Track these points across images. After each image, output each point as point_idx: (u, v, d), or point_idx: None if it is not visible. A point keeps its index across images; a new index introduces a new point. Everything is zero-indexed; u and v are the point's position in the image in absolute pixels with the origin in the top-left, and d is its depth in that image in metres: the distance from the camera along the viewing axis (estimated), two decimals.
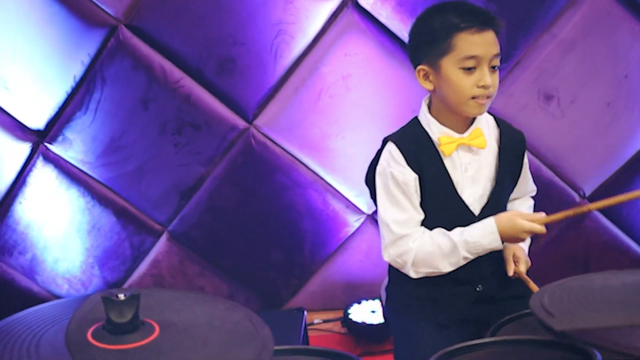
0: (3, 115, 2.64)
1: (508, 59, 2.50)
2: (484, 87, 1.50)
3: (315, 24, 2.49)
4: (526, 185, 1.73)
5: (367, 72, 2.56)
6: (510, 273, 1.58)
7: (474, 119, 1.60)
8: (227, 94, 2.60)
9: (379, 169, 1.61)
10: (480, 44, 1.48)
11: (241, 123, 2.63)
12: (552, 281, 3.02)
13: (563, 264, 2.78)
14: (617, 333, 0.73)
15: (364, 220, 2.74)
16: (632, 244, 2.73)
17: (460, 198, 1.59)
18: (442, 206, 1.59)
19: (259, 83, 2.58)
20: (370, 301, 2.73)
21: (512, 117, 2.58)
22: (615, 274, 0.96)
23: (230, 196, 2.73)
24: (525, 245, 1.66)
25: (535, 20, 2.45)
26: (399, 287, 1.68)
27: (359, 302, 2.74)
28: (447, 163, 1.58)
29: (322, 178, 2.70)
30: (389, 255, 1.59)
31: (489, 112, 1.66)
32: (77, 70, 2.55)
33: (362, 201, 2.70)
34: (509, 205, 1.71)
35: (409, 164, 1.56)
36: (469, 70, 1.49)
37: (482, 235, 1.52)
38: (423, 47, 1.55)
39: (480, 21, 1.49)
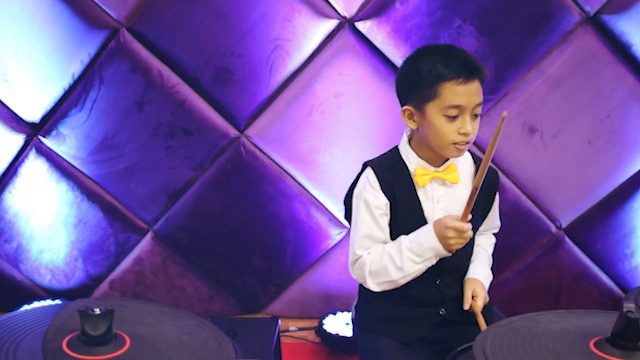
0: (0, 106, 2.69)
1: (496, 91, 2.58)
2: (464, 134, 1.57)
3: (311, 43, 2.56)
4: (492, 221, 1.81)
5: (358, 93, 2.62)
6: (467, 307, 1.66)
7: None
8: (221, 102, 2.66)
9: (355, 191, 1.69)
10: (464, 94, 1.54)
11: (232, 132, 2.69)
12: (523, 308, 3.10)
13: (535, 293, 2.86)
14: None
15: (345, 234, 2.81)
16: (604, 276, 2.81)
17: None
18: (410, 233, 1.66)
19: (253, 94, 2.65)
20: (346, 313, 2.80)
21: (496, 147, 2.68)
22: (561, 315, 1.02)
23: (216, 201, 2.79)
24: (486, 283, 1.73)
25: (525, 55, 2.53)
26: (366, 304, 1.75)
27: (335, 314, 2.81)
28: (420, 193, 1.65)
29: (307, 191, 2.77)
30: (353, 271, 1.69)
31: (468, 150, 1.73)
32: (76, 68, 2.61)
33: None
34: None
35: (382, 190, 1.63)
36: (452, 118, 1.56)
37: (419, 233, 1.61)
38: (410, 89, 1.62)
39: (466, 72, 1.54)
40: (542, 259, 2.80)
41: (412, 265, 1.60)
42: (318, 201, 2.78)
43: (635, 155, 2.65)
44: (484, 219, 1.79)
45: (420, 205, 1.65)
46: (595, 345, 0.87)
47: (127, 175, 2.76)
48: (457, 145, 1.58)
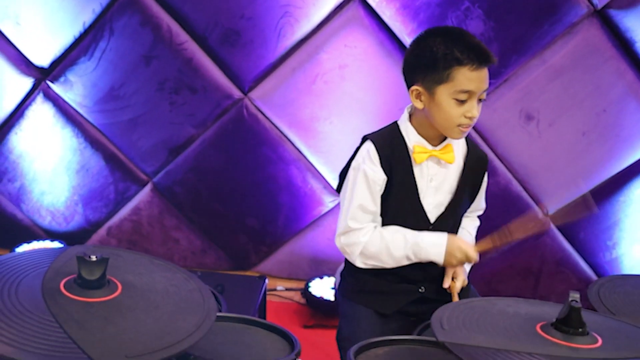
0: (11, 49, 2.74)
1: (497, 76, 2.62)
2: (470, 118, 1.62)
3: (321, 12, 2.58)
4: (479, 203, 1.87)
5: (363, 66, 2.66)
6: (446, 285, 1.74)
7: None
8: (227, 63, 2.70)
9: (354, 163, 1.74)
10: (475, 80, 1.59)
11: (236, 93, 2.75)
12: (504, 288, 3.20)
13: (517, 275, 2.95)
14: (487, 354, 0.87)
15: (338, 203, 2.88)
16: (584, 265, 2.90)
17: (421, 204, 1.72)
18: (402, 209, 1.73)
19: (259, 58, 2.69)
20: (332, 278, 2.89)
21: (492, 130, 2.73)
22: (518, 302, 1.10)
23: (215, 160, 2.86)
24: (467, 266, 1.81)
25: (529, 43, 2.56)
26: (350, 274, 1.83)
27: (321, 277, 2.91)
28: (416, 170, 1.71)
29: (305, 157, 2.83)
30: (340, 242, 1.74)
31: None
32: (87, 17, 2.64)
33: None
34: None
35: (382, 165, 1.68)
36: (461, 102, 1.60)
37: (431, 245, 1.68)
38: (421, 69, 1.64)
39: (481, 59, 1.58)
40: (527, 242, 2.88)
41: (405, 261, 1.70)
42: (315, 168, 2.85)
43: (627, 151, 2.70)
44: (471, 201, 1.85)
45: (415, 182, 1.71)
46: (541, 328, 0.96)
47: (131, 126, 2.83)
48: (461, 128, 1.64)
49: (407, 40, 2.57)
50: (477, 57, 1.57)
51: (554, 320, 0.96)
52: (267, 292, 2.94)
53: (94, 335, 0.91)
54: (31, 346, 0.93)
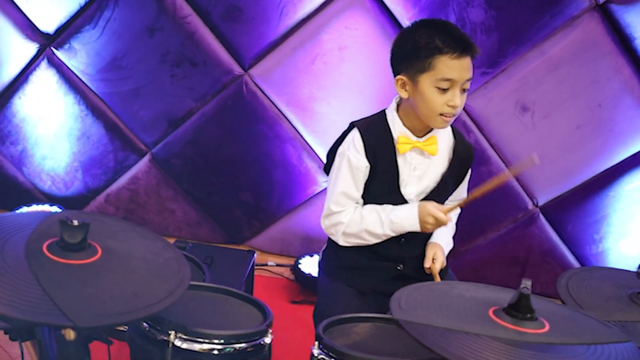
0: (17, 13, 2.78)
1: (495, 65, 2.64)
2: (452, 107, 1.66)
3: None
4: (461, 192, 1.92)
5: (362, 48, 2.69)
6: (427, 265, 1.79)
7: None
8: (228, 39, 2.73)
9: (340, 149, 1.79)
10: (457, 68, 1.63)
11: (237, 69, 2.78)
12: (490, 275, 3.24)
13: (503, 262, 3.00)
14: (440, 334, 0.92)
15: None
16: (570, 257, 2.95)
17: (401, 192, 1.77)
18: (383, 196, 1.78)
19: (261, 35, 2.71)
20: None
21: (487, 119, 2.76)
22: (478, 287, 1.14)
23: (213, 134, 2.91)
24: (446, 249, 1.87)
25: (529, 34, 2.57)
26: (332, 252, 1.89)
27: (311, 255, 2.97)
28: (400, 160, 1.76)
29: (301, 136, 2.87)
30: (324, 224, 1.81)
31: None
32: None
33: None
34: None
35: (366, 154, 1.73)
36: (443, 90, 1.64)
37: (404, 219, 1.74)
38: (405, 59, 1.69)
39: (461, 48, 1.62)
40: (515, 232, 2.93)
41: (385, 236, 1.76)
42: (310, 147, 2.89)
43: (620, 146, 2.73)
44: (454, 189, 1.90)
45: (398, 171, 1.76)
46: (494, 312, 1.01)
47: (132, 97, 2.87)
48: (443, 117, 1.68)
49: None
50: (457, 45, 1.61)
51: (506, 305, 1.01)
52: (258, 267, 3.02)
53: (70, 294, 0.97)
54: (13, 301, 0.98)
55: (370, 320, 1.40)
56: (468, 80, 1.67)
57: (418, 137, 1.75)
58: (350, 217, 1.76)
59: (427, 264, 1.79)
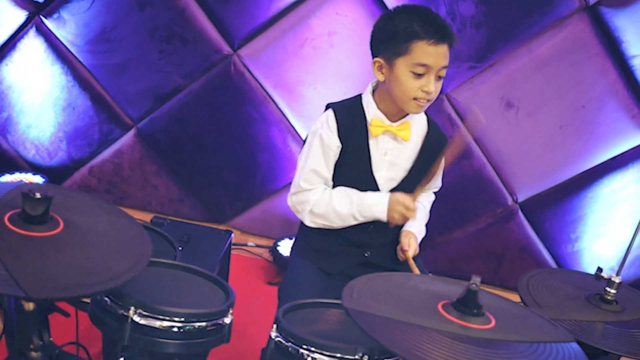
0: None
1: (483, 60, 2.64)
2: (426, 92, 1.67)
3: None
4: (435, 181, 1.93)
5: (352, 35, 2.68)
6: (405, 249, 1.81)
7: (407, 113, 1.77)
8: (219, 18, 2.72)
9: (313, 128, 1.81)
10: (433, 55, 1.64)
11: (226, 48, 2.77)
12: (466, 267, 3.27)
13: (480, 256, 3.04)
14: (387, 326, 0.94)
15: None
16: (546, 254, 2.98)
17: (373, 176, 1.79)
18: (355, 179, 1.80)
19: (252, 16, 2.71)
20: None
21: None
22: (434, 280, 1.17)
23: (199, 112, 2.91)
24: (419, 236, 1.88)
25: (518, 31, 2.57)
26: (303, 232, 1.92)
27: (290, 238, 2.99)
28: (372, 143, 1.77)
29: (287, 119, 2.88)
30: (291, 201, 1.83)
31: (424, 112, 1.84)
32: None
33: None
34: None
35: (338, 133, 1.75)
36: (418, 75, 1.66)
37: (374, 204, 1.75)
38: (383, 42, 1.70)
39: (438, 35, 1.63)
40: (494, 226, 2.96)
41: (352, 220, 1.78)
42: (295, 131, 2.90)
43: (601, 148, 2.75)
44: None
45: (369, 154, 1.77)
46: (443, 306, 1.03)
47: (119, 70, 2.86)
48: (417, 101, 1.69)
49: None
50: (435, 32, 1.63)
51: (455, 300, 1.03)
52: (238, 247, 3.04)
53: (27, 266, 0.99)
54: None
55: (334, 306, 1.43)
56: (444, 67, 1.68)
57: (392, 121, 1.76)
58: (318, 196, 1.78)
59: (405, 247, 1.81)
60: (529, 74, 2.64)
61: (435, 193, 1.99)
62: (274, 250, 2.94)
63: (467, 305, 1.00)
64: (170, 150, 3.01)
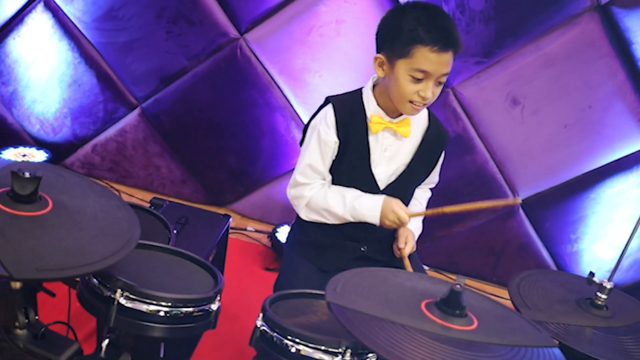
0: None
1: (491, 56, 2.61)
2: (423, 98, 1.65)
3: None
4: (432, 176, 1.92)
5: (359, 24, 2.66)
6: (401, 246, 1.80)
7: None
8: (228, 1, 2.71)
9: (312, 122, 1.80)
10: (434, 62, 1.60)
11: (233, 32, 2.76)
12: (464, 262, 3.26)
13: (479, 252, 3.03)
14: (368, 322, 0.94)
15: None
16: (545, 253, 2.97)
17: (371, 171, 1.78)
18: (353, 174, 1.79)
19: (260, 1, 2.69)
20: None
21: (477, 109, 2.75)
22: (420, 277, 1.16)
23: (204, 95, 2.90)
24: (416, 233, 1.88)
25: (527, 27, 2.54)
26: (299, 226, 1.91)
27: (289, 225, 2.99)
28: (371, 139, 1.76)
29: (291, 105, 2.87)
30: (290, 194, 1.83)
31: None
32: None
33: None
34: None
35: (337, 130, 1.74)
36: (417, 80, 1.63)
37: (367, 209, 1.75)
38: (387, 40, 1.67)
39: (442, 42, 1.59)
40: (494, 223, 2.94)
41: (345, 219, 1.77)
42: (299, 118, 2.89)
43: (606, 150, 2.72)
44: (427, 174, 1.90)
45: (369, 150, 1.76)
46: (425, 305, 1.02)
47: (126, 49, 2.86)
48: (413, 104, 1.67)
49: None
50: (440, 39, 1.58)
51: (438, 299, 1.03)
52: (237, 231, 3.05)
53: (11, 245, 0.99)
54: None
55: (321, 297, 1.42)
56: (444, 74, 1.65)
57: (391, 117, 1.75)
58: (314, 192, 1.78)
59: (401, 244, 1.80)
60: (536, 71, 2.61)
61: (431, 189, 1.98)
62: (272, 236, 2.94)
63: (450, 305, 1.00)
64: (173, 132, 3.01)
